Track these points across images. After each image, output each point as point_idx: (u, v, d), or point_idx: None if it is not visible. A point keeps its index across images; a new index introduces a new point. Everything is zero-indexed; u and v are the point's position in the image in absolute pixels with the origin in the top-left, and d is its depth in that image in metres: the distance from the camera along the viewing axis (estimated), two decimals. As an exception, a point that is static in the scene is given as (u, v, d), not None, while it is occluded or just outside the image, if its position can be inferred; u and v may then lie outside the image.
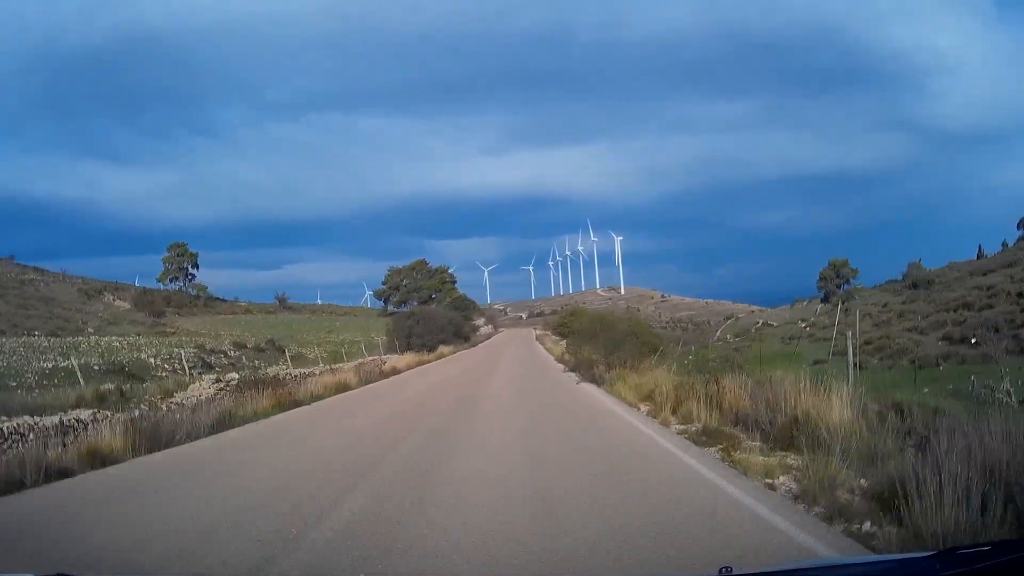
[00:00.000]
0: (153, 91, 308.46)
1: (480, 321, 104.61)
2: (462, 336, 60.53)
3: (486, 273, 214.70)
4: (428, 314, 51.53)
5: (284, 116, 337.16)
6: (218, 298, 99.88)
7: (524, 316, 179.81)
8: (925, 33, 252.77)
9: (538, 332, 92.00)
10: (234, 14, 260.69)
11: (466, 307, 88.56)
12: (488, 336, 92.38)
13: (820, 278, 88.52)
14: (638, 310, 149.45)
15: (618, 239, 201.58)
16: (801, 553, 4.83)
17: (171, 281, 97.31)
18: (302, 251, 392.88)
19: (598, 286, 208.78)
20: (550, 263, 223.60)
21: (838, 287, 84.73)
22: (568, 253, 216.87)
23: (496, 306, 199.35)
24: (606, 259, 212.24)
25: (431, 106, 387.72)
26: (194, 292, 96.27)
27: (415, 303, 78.25)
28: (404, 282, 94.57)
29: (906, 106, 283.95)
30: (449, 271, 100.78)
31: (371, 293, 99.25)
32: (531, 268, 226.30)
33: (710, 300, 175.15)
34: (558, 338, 50.36)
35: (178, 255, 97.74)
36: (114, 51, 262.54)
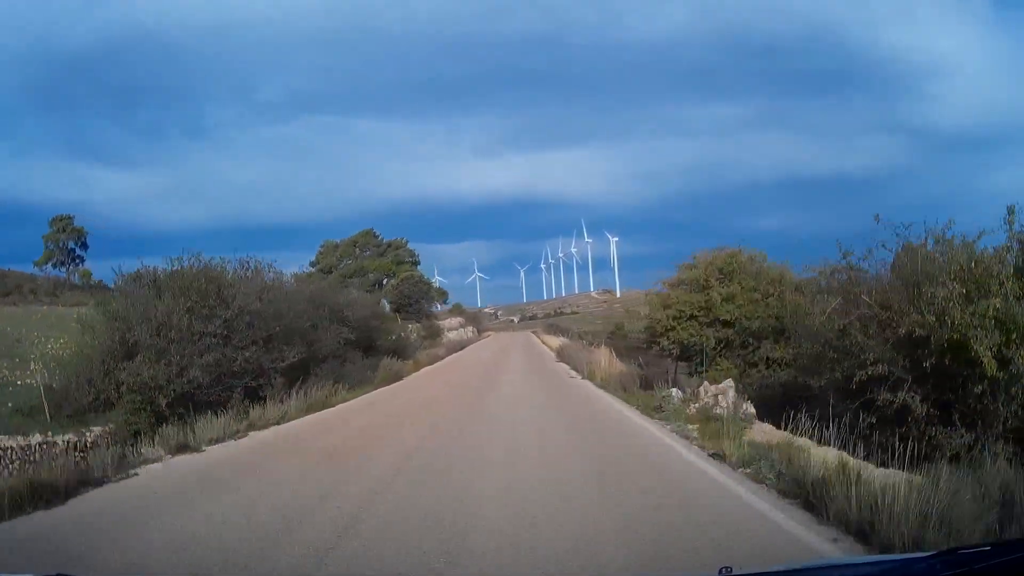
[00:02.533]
0: (144, 90, 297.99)
1: (450, 322, 70.86)
2: (386, 351, 28.12)
3: (477, 276, 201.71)
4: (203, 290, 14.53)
5: (276, 117, 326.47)
6: (95, 286, 76.70)
7: (516, 319, 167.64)
8: (924, 36, 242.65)
9: (553, 341, 52.41)
10: (227, 13, 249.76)
11: (412, 293, 53.89)
12: (457, 347, 49.11)
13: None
14: (639, 313, 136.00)
15: (614, 240, 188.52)
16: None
17: (55, 266, 72.50)
18: (294, 255, 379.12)
19: (592, 289, 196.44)
20: (542, 265, 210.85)
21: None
22: (561, 255, 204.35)
23: (487, 310, 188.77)
24: (600, 262, 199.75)
25: (424, 107, 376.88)
26: (77, 279, 69.92)
27: (357, 292, 45.02)
28: (344, 261, 63.85)
29: (905, 109, 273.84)
30: (407, 245, 67.61)
31: (291, 277, 53.15)
32: (522, 271, 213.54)
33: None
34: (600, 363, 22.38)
35: (59, 231, 73.09)
36: (105, 50, 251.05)
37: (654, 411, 13.41)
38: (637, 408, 14.47)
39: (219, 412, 12.70)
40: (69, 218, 73.38)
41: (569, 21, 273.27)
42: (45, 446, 11.05)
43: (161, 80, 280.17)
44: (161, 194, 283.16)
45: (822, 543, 5.68)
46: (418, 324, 50.04)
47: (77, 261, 72.86)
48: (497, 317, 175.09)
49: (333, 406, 16.83)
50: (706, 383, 13.01)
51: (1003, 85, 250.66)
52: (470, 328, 77.01)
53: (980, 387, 7.85)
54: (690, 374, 17.26)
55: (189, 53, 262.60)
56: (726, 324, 17.09)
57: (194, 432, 11.28)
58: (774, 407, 11.47)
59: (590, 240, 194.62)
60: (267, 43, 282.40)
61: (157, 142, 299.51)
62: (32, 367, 15.94)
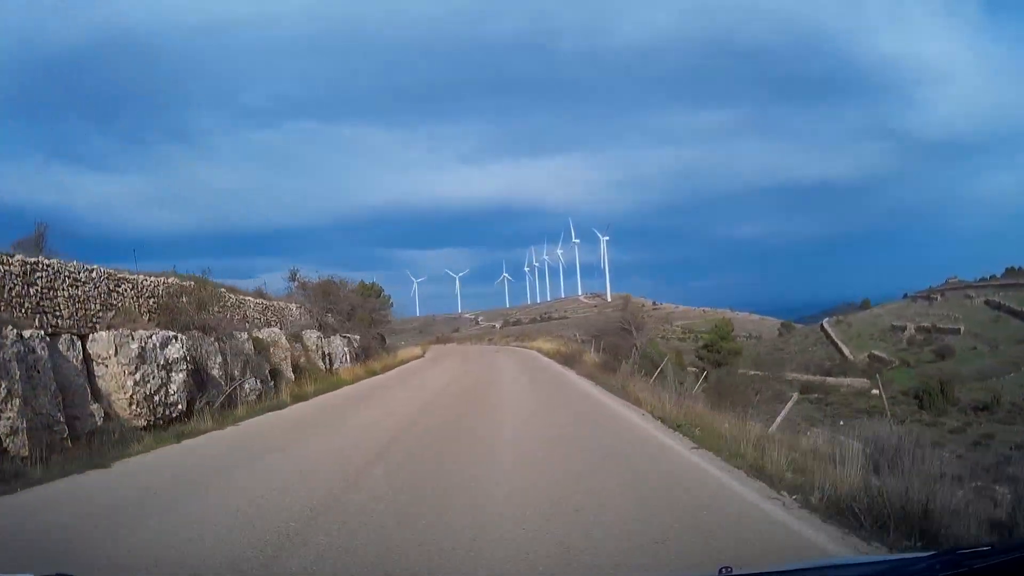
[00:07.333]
0: (126, 94, 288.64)
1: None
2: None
3: (457, 281, 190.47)
4: None
5: (260, 122, 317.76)
6: None
7: (498, 325, 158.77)
8: (913, 42, 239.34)
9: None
10: (211, 17, 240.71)
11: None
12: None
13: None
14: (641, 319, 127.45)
15: (604, 238, 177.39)
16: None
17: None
18: (275, 260, 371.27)
19: (580, 292, 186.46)
20: (526, 268, 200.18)
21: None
22: (546, 258, 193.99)
23: (466, 315, 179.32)
24: (586, 268, 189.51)
25: (408, 114, 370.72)
26: None
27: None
28: None
29: (892, 115, 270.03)
30: None
31: None
32: (506, 276, 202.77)
33: (706, 308, 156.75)
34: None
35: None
36: (88, 53, 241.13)
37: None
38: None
39: None
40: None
41: (555, 28, 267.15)
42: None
43: (144, 84, 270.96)
44: (143, 199, 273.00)
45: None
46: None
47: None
48: (478, 323, 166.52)
49: None
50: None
51: (993, 91, 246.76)
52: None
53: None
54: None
55: (173, 57, 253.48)
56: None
57: None
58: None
59: (577, 240, 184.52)
60: (250, 48, 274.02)
61: (139, 146, 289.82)
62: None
